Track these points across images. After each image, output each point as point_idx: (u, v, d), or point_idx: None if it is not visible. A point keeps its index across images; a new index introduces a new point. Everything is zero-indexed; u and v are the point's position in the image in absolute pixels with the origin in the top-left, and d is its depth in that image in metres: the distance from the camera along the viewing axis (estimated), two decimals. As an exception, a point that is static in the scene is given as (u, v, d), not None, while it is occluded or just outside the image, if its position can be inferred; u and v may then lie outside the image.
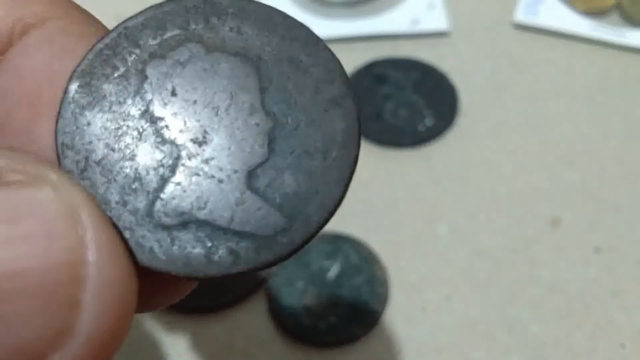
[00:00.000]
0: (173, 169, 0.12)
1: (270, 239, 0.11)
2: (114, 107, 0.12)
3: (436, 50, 0.36)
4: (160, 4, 0.12)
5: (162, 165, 0.12)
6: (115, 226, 0.11)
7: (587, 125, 0.33)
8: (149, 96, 0.12)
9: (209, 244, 0.11)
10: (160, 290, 0.13)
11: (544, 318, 0.28)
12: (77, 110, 0.12)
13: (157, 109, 0.12)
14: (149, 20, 0.12)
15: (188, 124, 0.12)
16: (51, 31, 0.12)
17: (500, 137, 0.33)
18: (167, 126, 0.12)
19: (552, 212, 0.30)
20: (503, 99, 0.34)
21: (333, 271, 0.28)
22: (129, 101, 0.12)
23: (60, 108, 0.12)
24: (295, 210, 0.11)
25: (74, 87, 0.12)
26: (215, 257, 0.11)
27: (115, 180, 0.11)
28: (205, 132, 0.12)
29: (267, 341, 0.27)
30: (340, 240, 0.29)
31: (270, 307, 0.28)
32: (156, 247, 0.11)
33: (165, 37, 0.12)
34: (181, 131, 0.12)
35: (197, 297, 0.28)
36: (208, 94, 0.12)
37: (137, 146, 0.12)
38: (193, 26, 0.12)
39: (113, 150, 0.12)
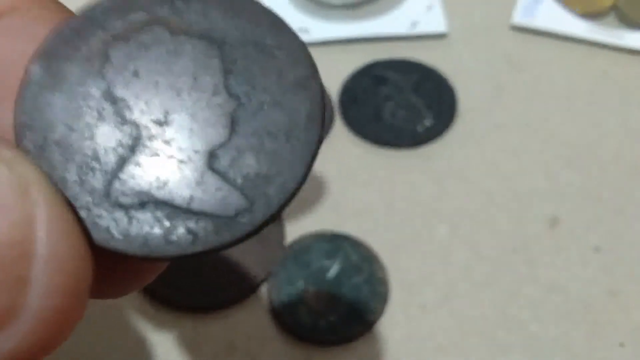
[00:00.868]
0: (133, 149, 0.12)
1: (230, 220, 0.11)
2: (75, 88, 0.12)
3: (435, 52, 0.36)
4: None
5: (122, 145, 0.12)
6: (70, 205, 0.11)
7: (585, 126, 0.33)
8: (110, 77, 0.12)
9: (167, 224, 0.11)
10: (123, 274, 0.12)
11: (543, 317, 0.28)
12: (37, 90, 0.12)
13: (119, 90, 0.12)
14: (114, 3, 0.12)
15: (150, 105, 0.12)
16: (21, 19, 0.12)
17: (499, 137, 0.33)
18: (128, 107, 0.12)
19: (551, 212, 0.30)
20: (502, 100, 0.34)
21: (333, 270, 0.28)
22: (90, 82, 0.12)
23: (20, 89, 0.12)
24: (256, 191, 0.11)
25: (35, 67, 0.12)
26: (174, 237, 0.11)
27: (73, 159, 0.11)
28: (167, 113, 0.12)
29: (267, 340, 0.27)
30: (340, 240, 0.29)
31: (271, 306, 0.28)
32: (113, 227, 0.11)
33: (130, 19, 0.12)
34: (142, 112, 0.12)
35: (197, 295, 0.28)
36: (171, 75, 0.12)
37: (97, 126, 0.12)
38: (158, 9, 0.12)
39: (72, 130, 0.12)
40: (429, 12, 0.37)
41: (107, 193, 0.11)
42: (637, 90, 0.34)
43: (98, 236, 0.11)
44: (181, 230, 0.11)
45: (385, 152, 0.33)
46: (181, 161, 0.12)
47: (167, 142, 0.12)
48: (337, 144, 0.33)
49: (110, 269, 0.12)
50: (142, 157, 0.12)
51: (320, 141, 0.12)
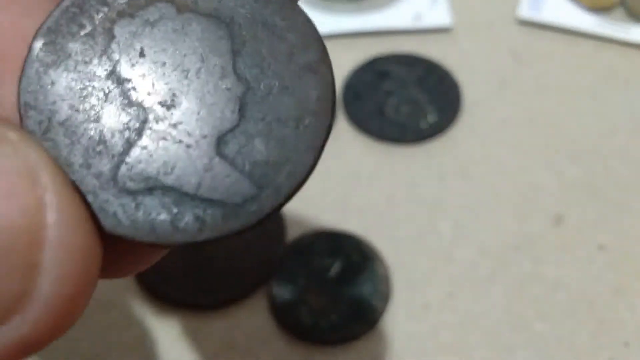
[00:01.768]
0: (139, 133, 0.11)
1: (238, 207, 0.11)
2: (80, 67, 0.11)
3: (439, 46, 0.35)
4: None
5: (129, 128, 0.11)
6: (77, 189, 0.11)
7: (591, 121, 0.33)
8: (116, 56, 0.11)
9: (175, 210, 0.11)
10: (126, 257, 0.12)
11: (548, 316, 0.27)
12: (41, 69, 0.11)
13: (125, 70, 0.11)
14: None
15: (156, 86, 0.11)
16: None
17: (504, 133, 0.32)
18: (134, 88, 0.11)
19: (556, 209, 0.30)
20: (506, 95, 0.34)
21: (335, 269, 0.28)
22: (95, 61, 0.11)
23: (24, 67, 0.11)
24: (265, 178, 0.11)
25: (38, 45, 0.11)
26: (181, 224, 0.11)
27: (79, 142, 0.11)
28: (174, 95, 0.11)
29: (268, 339, 0.27)
30: (342, 238, 0.29)
31: (272, 305, 0.27)
32: (120, 212, 0.11)
33: None
34: (149, 93, 0.11)
35: (197, 294, 0.28)
36: (178, 55, 0.12)
37: (102, 108, 0.11)
38: None
39: (77, 111, 0.11)
40: (434, 6, 0.37)
41: (114, 177, 0.11)
42: (644, 85, 0.34)
43: (106, 222, 0.11)
44: (189, 217, 0.11)
45: (388, 148, 0.32)
46: (189, 146, 0.11)
47: (174, 126, 0.11)
48: (339, 139, 0.32)
49: (117, 252, 0.12)
50: (149, 141, 0.11)
51: (330, 128, 0.11)
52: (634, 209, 0.30)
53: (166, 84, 0.11)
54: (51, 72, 0.11)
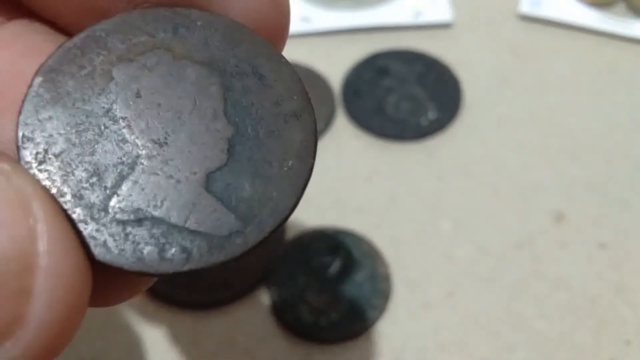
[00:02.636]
0: (132, 167, 0.12)
1: (223, 240, 0.12)
2: (78, 104, 0.12)
3: (440, 42, 0.35)
4: (130, 12, 0.13)
5: (122, 163, 0.12)
6: (69, 219, 0.11)
7: (592, 118, 0.33)
8: (113, 96, 0.12)
9: (163, 241, 0.11)
10: (115, 285, 0.13)
11: (548, 314, 0.27)
12: (40, 103, 0.12)
13: (121, 109, 0.12)
14: (118, 26, 0.13)
15: (150, 125, 0.12)
16: (15, 30, 0.12)
17: (505, 130, 0.32)
18: (129, 126, 0.12)
19: (557, 206, 0.30)
20: (507, 91, 0.34)
21: (335, 267, 0.28)
22: (93, 99, 0.12)
23: (23, 101, 0.12)
24: (250, 214, 0.12)
25: (38, 81, 0.12)
26: (168, 255, 0.11)
27: (73, 174, 0.12)
28: (167, 134, 0.12)
29: (268, 337, 0.27)
30: (342, 236, 0.29)
31: (271, 303, 0.27)
32: (110, 242, 0.11)
33: (133, 42, 0.12)
34: (143, 132, 0.12)
35: (197, 292, 0.27)
36: (172, 98, 0.12)
37: (97, 143, 0.12)
38: (162, 34, 0.13)
39: (73, 145, 0.12)
40: (434, 1, 0.37)
41: (105, 208, 0.12)
42: (646, 81, 0.34)
43: (95, 250, 0.11)
44: (176, 248, 0.11)
45: (388, 146, 0.32)
46: (179, 181, 0.12)
47: (165, 162, 0.12)
48: (338, 136, 0.32)
49: (106, 280, 0.12)
50: (141, 176, 0.12)
51: (311, 170, 0.12)
52: (636, 207, 0.30)
53: (160, 123, 0.12)
54: (50, 107, 0.12)
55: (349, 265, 0.28)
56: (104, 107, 0.12)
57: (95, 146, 0.12)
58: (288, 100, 0.13)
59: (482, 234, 0.29)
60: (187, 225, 0.12)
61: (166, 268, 0.11)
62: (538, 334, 0.27)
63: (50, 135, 0.12)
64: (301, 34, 0.36)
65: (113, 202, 0.12)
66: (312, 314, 0.27)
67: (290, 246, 0.28)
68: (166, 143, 0.12)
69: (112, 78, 0.12)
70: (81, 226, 0.11)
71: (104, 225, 0.11)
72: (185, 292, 0.27)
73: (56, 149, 0.12)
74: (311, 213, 0.30)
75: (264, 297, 0.28)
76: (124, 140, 0.12)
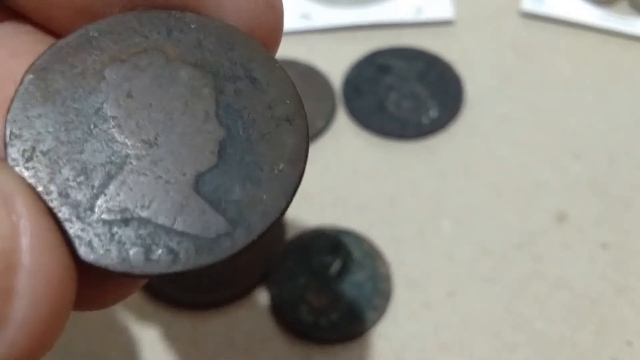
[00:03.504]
0: (121, 167, 0.12)
1: (211, 242, 0.11)
2: (68, 102, 0.12)
3: (441, 40, 0.35)
4: (125, 13, 0.13)
5: (110, 162, 0.12)
6: (54, 217, 0.11)
7: (595, 116, 0.32)
8: (104, 96, 0.12)
9: (149, 242, 0.11)
10: (102, 287, 0.12)
11: (549, 315, 0.27)
12: (30, 101, 0.12)
13: (111, 108, 0.12)
14: (112, 26, 0.12)
15: (141, 125, 0.12)
16: (4, 31, 0.12)
17: (506, 129, 0.32)
18: (119, 125, 0.12)
19: (558, 206, 0.30)
20: (509, 89, 0.33)
21: (335, 267, 0.28)
22: (84, 98, 0.12)
23: (13, 98, 0.12)
24: (239, 216, 0.12)
25: (29, 78, 0.12)
26: (154, 256, 0.11)
27: (60, 172, 0.11)
28: (157, 134, 0.12)
29: (267, 337, 0.27)
30: (342, 236, 0.29)
31: (271, 303, 0.27)
32: (95, 242, 0.11)
33: (127, 43, 0.12)
34: (133, 132, 0.12)
35: (196, 292, 0.27)
36: (164, 99, 0.12)
37: (86, 141, 0.12)
38: (155, 36, 0.13)
39: (62, 143, 0.12)
40: (435, -2, 0.36)
41: (91, 208, 0.11)
42: (649, 79, 0.33)
43: (80, 250, 0.11)
44: (162, 249, 0.11)
45: (388, 144, 0.32)
46: (168, 182, 0.12)
47: (155, 163, 0.12)
48: (339, 135, 0.32)
49: (92, 282, 0.12)
50: (129, 176, 0.12)
51: (302, 174, 0.12)
52: (638, 206, 0.30)
53: (150, 123, 0.12)
54: (39, 104, 0.12)
55: (349, 265, 0.28)
56: (94, 106, 0.12)
57: (84, 145, 0.12)
58: (281, 104, 0.13)
59: (483, 233, 0.29)
60: (174, 227, 0.11)
61: (152, 269, 0.11)
62: (539, 334, 0.27)
63: (39, 133, 0.12)
64: (301, 31, 0.35)
65: (100, 201, 0.11)
66: (312, 314, 0.27)
67: (290, 246, 0.28)
68: (156, 144, 0.12)
69: (104, 78, 0.12)
70: (66, 225, 0.11)
71: (89, 224, 0.11)
72: (184, 292, 0.27)
73: (44, 147, 0.12)
74: (311, 212, 0.30)
75: (264, 297, 0.28)
76: (114, 140, 0.12)
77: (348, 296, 0.27)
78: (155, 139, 0.12)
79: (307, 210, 0.30)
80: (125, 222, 0.11)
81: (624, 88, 0.33)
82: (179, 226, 0.11)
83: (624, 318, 0.27)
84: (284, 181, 0.12)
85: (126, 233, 0.11)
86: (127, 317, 0.27)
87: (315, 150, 0.31)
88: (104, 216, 0.11)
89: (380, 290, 0.27)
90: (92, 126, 0.12)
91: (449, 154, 0.31)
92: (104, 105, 0.12)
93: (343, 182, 0.31)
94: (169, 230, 0.11)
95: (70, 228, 0.11)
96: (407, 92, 0.33)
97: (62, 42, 0.12)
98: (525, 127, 0.32)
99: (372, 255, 0.28)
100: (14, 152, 0.11)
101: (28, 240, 0.10)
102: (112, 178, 0.12)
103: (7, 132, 0.11)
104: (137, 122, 0.12)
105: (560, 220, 0.29)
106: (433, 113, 0.32)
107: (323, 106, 0.33)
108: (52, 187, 0.11)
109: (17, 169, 0.11)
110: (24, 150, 0.11)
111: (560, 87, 0.33)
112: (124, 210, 0.11)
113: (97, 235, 0.11)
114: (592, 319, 0.27)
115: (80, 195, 0.11)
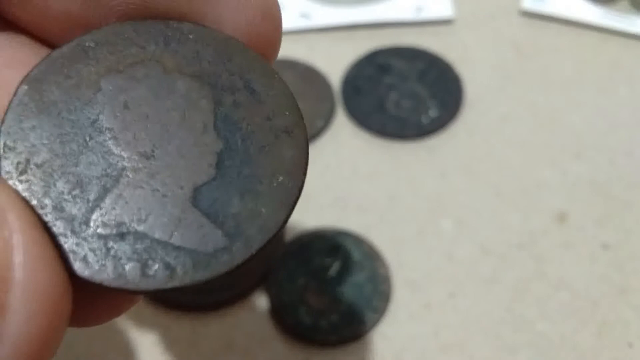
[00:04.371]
0: (117, 180, 0.11)
1: (209, 257, 0.11)
2: (63, 114, 0.12)
3: (441, 39, 0.35)
4: (122, 23, 0.12)
5: (106, 175, 0.11)
6: (48, 231, 0.11)
7: (595, 116, 0.32)
8: (100, 107, 0.12)
9: (146, 257, 0.11)
10: (97, 303, 0.12)
11: (550, 316, 0.27)
12: (24, 112, 0.11)
13: (107, 120, 0.12)
14: (108, 36, 0.12)
15: (137, 137, 0.12)
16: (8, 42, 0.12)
17: (507, 128, 0.32)
18: (115, 137, 0.12)
19: (559, 206, 0.30)
20: (509, 89, 0.33)
21: (334, 268, 0.28)
22: (79, 109, 0.12)
23: (7, 110, 0.11)
24: (237, 230, 0.11)
25: (23, 89, 0.12)
26: (151, 271, 0.11)
27: (54, 185, 0.11)
28: (154, 146, 0.12)
29: (267, 339, 0.27)
30: (342, 237, 0.28)
31: (271, 305, 0.27)
32: (90, 256, 0.11)
33: (123, 53, 0.12)
34: (129, 144, 0.12)
35: (196, 294, 0.27)
36: (161, 110, 0.12)
37: (82, 154, 0.11)
38: (153, 47, 0.12)
39: (57, 155, 0.11)
40: (435, -3, 0.36)
41: (86, 222, 0.11)
42: (650, 78, 0.33)
43: (75, 265, 0.11)
44: (159, 264, 0.11)
45: (388, 144, 0.32)
46: (165, 195, 0.11)
47: (151, 176, 0.12)
48: (338, 135, 0.32)
49: (88, 298, 0.12)
50: (125, 189, 0.11)
51: (302, 186, 0.12)
52: (639, 207, 0.30)
53: (147, 135, 0.12)
54: (33, 116, 0.11)
55: (349, 266, 0.28)
56: (90, 118, 0.12)
57: (80, 157, 0.11)
58: (280, 115, 0.12)
59: (483, 233, 0.29)
60: (171, 241, 0.11)
61: (148, 285, 0.11)
62: (540, 335, 0.27)
63: (33, 145, 0.11)
64: (301, 31, 0.35)
65: (95, 215, 0.11)
66: (312, 315, 0.27)
67: (289, 247, 0.28)
68: (153, 156, 0.12)
69: (100, 89, 0.12)
70: (61, 239, 0.11)
71: (84, 239, 0.11)
72: (183, 294, 0.27)
73: (38, 159, 0.11)
74: (310, 213, 0.29)
75: (263, 299, 0.27)
76: (110, 152, 0.12)
77: (348, 297, 0.27)
78: (152, 151, 0.12)
79: (307, 211, 0.29)
80: (121, 236, 0.11)
81: (625, 87, 0.33)
82: (176, 240, 0.11)
83: (625, 319, 0.27)
84: (283, 194, 0.12)
85: (122, 248, 0.11)
86: (126, 319, 0.27)
87: (315, 150, 0.31)
88: (100, 230, 0.11)
89: (380, 291, 0.27)
90: (87, 138, 0.12)
91: (449, 154, 0.31)
92: (100, 116, 0.12)
93: (342, 182, 0.30)
94: (165, 245, 0.11)
95: (65, 243, 0.11)
96: (407, 91, 0.33)
97: (57, 52, 0.12)
98: (526, 126, 0.32)
99: (372, 256, 0.28)
100: (7, 165, 0.11)
101: (21, 255, 0.10)
102: (108, 191, 0.11)
103: (1, 145, 0.11)
104: (134, 134, 0.12)
105: (561, 220, 0.29)
106: (433, 113, 0.32)
107: (322, 106, 0.32)
108: (47, 201, 0.11)
109: (10, 182, 0.11)
110: (18, 163, 0.11)
111: (561, 86, 0.33)
112: (120, 224, 0.11)
113: (92, 250, 0.11)
114: (593, 320, 0.27)
115: (75, 209, 0.11)
